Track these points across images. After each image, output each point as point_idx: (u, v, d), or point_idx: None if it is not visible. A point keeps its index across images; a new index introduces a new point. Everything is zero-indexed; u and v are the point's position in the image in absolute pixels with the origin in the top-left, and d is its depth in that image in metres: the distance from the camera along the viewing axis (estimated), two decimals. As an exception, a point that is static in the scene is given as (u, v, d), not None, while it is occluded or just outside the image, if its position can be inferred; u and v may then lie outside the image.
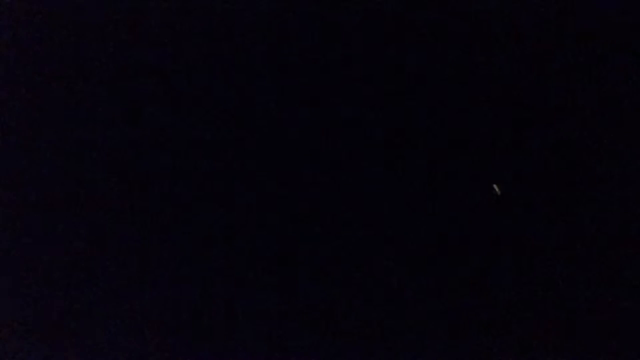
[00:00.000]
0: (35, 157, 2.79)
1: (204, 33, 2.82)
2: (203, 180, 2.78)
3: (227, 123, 2.80)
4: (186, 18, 2.83)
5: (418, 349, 2.67)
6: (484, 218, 2.71)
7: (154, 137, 2.79)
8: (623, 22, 2.73)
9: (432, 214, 2.73)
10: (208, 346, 2.71)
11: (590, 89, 2.73)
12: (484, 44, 2.77)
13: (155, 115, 2.80)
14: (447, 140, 2.76)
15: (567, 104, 2.74)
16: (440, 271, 2.70)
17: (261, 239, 2.75)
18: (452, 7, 2.78)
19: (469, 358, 2.65)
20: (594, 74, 2.74)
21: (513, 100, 2.75)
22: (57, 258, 2.75)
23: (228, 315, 2.71)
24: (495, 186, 2.17)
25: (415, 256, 2.71)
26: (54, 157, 2.79)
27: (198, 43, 2.82)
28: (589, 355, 2.63)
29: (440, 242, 2.71)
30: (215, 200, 2.77)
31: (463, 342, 2.66)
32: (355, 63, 2.80)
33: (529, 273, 2.68)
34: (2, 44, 2.83)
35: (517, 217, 2.70)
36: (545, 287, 2.66)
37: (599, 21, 2.74)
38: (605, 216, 2.68)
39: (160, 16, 2.83)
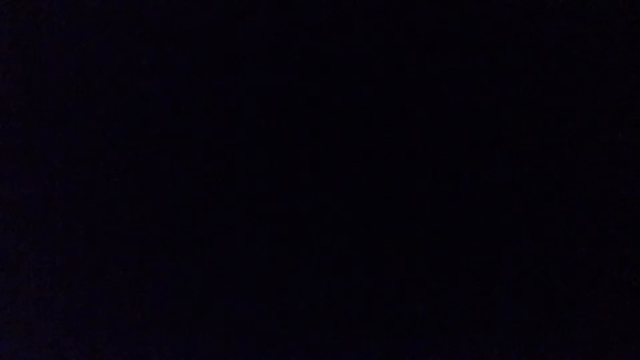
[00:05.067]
0: (36, 157, 2.80)
1: (204, 33, 2.83)
2: (202, 180, 2.79)
3: (226, 122, 2.81)
4: (186, 18, 2.83)
5: (418, 349, 2.68)
6: (483, 218, 2.72)
7: (153, 137, 2.80)
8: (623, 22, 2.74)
9: (431, 214, 2.74)
10: (208, 346, 2.72)
11: (589, 89, 2.74)
12: (482, 43, 2.77)
13: (155, 115, 2.81)
14: (447, 139, 2.76)
15: (567, 103, 2.74)
16: (440, 271, 2.71)
17: (261, 239, 2.76)
18: (451, 6, 2.79)
19: (468, 358, 2.66)
20: (593, 75, 2.75)
21: (512, 99, 2.76)
22: (56, 258, 2.76)
23: (228, 315, 2.72)
24: None
25: (415, 256, 2.72)
26: (54, 157, 2.80)
27: (198, 43, 2.83)
28: (589, 355, 2.63)
29: (440, 242, 2.72)
30: (215, 199, 2.78)
31: (462, 342, 2.67)
32: (354, 63, 2.80)
33: (528, 273, 2.69)
34: (2, 44, 2.83)
35: (516, 217, 2.71)
36: (544, 286, 2.67)
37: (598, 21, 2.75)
38: (604, 216, 2.69)
39: (160, 16, 2.83)
